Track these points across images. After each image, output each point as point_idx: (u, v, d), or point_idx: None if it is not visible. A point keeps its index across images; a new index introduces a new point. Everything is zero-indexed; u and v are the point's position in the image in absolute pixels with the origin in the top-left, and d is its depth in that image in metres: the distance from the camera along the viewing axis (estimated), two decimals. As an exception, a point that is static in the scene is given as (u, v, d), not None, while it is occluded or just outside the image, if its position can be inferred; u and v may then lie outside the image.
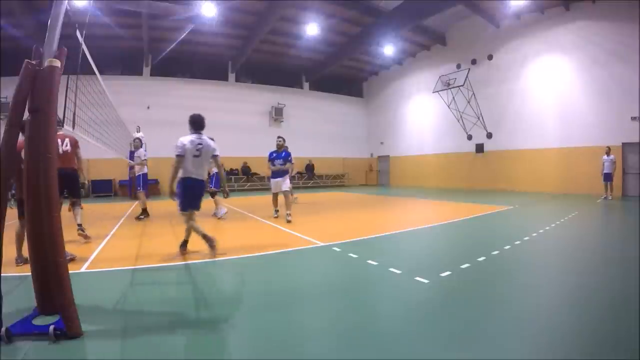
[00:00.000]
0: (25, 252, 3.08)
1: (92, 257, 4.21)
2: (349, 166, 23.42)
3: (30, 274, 2.36)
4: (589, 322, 2.33)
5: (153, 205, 11.52)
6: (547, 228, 5.92)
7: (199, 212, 4.46)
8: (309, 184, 20.54)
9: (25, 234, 2.45)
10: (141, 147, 8.43)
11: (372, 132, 24.18)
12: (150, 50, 16.75)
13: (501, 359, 1.89)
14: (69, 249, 3.95)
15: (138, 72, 17.47)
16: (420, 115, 20.21)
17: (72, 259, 3.95)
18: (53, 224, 2.28)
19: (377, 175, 23.72)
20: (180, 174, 4.22)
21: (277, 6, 13.63)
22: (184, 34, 15.05)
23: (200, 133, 4.39)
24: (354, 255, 4.21)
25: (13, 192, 3.56)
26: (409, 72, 20.99)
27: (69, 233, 4.46)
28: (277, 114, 20.46)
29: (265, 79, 20.75)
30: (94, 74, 4.59)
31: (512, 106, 15.46)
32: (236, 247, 4.83)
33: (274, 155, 7.48)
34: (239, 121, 19.03)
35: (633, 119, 11.50)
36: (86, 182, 5.61)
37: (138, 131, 14.72)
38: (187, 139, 4.26)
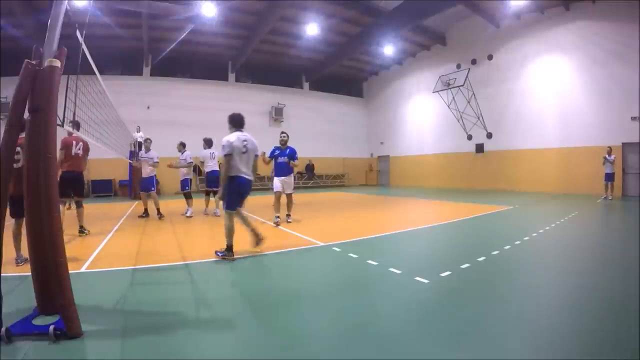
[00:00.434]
0: (25, 251, 3.09)
1: (92, 257, 4.21)
2: (349, 166, 23.42)
3: (30, 274, 2.36)
4: (589, 322, 2.33)
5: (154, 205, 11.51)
6: (547, 228, 5.92)
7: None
8: (309, 184, 20.54)
9: (25, 232, 2.45)
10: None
11: (372, 132, 24.18)
12: (150, 50, 16.75)
13: (501, 359, 1.89)
14: (69, 248, 3.96)
15: (138, 72, 17.47)
16: (420, 115, 20.21)
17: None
18: (53, 224, 2.28)
19: (377, 175, 23.72)
20: (230, 173, 4.15)
21: (277, 6, 13.63)
22: (184, 34, 15.05)
23: (241, 130, 4.36)
24: (354, 255, 4.21)
25: None
26: (409, 72, 20.99)
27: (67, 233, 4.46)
28: (277, 114, 20.46)
29: (265, 79, 20.74)
30: (94, 74, 4.59)
31: (512, 106, 15.46)
32: (236, 247, 4.82)
33: (278, 152, 6.87)
34: (239, 121, 19.01)
35: (633, 119, 11.50)
36: (85, 183, 5.80)
37: (138, 131, 14.72)
38: (233, 136, 4.21)
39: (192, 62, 18.71)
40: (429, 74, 18.99)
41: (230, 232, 4.16)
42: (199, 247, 5.05)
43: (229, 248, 4.13)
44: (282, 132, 7.13)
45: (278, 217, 6.62)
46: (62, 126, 2.84)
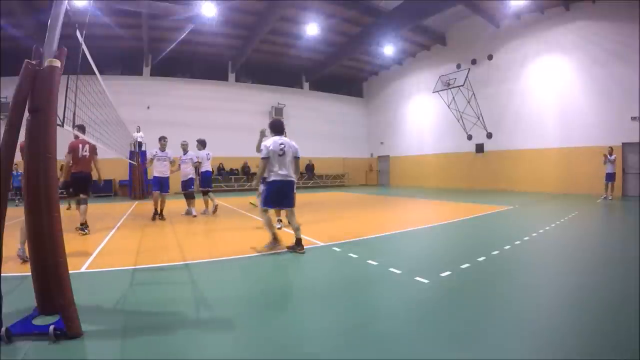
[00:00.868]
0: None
1: (92, 257, 4.21)
2: (349, 166, 23.43)
3: (30, 274, 2.36)
4: (589, 322, 2.33)
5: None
6: (547, 228, 5.92)
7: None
8: (309, 184, 20.54)
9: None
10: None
11: (372, 132, 24.19)
12: (150, 50, 16.76)
13: (501, 359, 1.89)
14: (69, 248, 3.96)
15: (138, 72, 17.48)
16: (420, 115, 20.21)
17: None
18: (53, 224, 2.28)
19: (377, 175, 23.73)
20: (266, 175, 4.57)
21: (277, 6, 13.64)
22: (184, 34, 15.06)
23: (280, 135, 4.69)
24: (354, 255, 4.21)
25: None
26: (409, 72, 21.00)
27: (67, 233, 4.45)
28: (277, 114, 20.44)
29: (265, 79, 20.76)
30: (94, 74, 4.59)
31: (512, 106, 15.47)
32: (236, 247, 4.83)
33: None
34: (239, 121, 19.04)
35: (633, 119, 11.51)
36: (100, 181, 6.32)
37: (138, 131, 14.73)
38: (270, 141, 4.52)
39: (192, 62, 18.73)
40: (429, 74, 18.99)
41: (268, 226, 4.63)
42: (199, 247, 5.05)
43: (274, 237, 4.64)
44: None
45: (281, 220, 6.38)
46: (62, 126, 2.85)
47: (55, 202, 2.32)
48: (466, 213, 8.09)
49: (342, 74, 22.71)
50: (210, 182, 8.50)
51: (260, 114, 20.19)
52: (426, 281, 3.18)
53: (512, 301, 2.79)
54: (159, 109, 17.17)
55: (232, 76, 19.83)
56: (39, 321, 2.24)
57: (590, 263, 3.94)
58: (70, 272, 2.36)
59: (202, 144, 8.46)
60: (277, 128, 4.69)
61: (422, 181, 19.60)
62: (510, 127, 15.51)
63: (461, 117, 17.27)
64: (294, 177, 4.56)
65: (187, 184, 8.28)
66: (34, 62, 2.43)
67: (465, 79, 16.22)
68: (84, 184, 5.88)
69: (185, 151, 8.31)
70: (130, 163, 13.74)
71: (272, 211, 4.97)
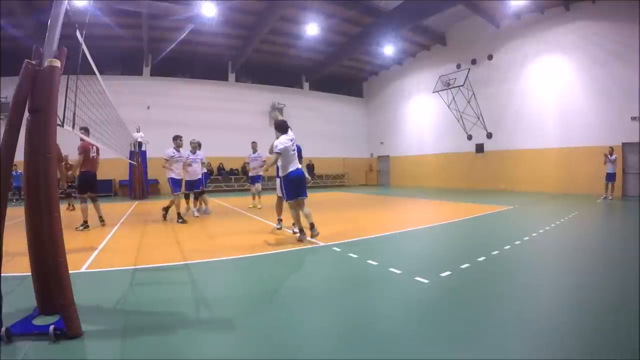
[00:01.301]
0: None
1: (92, 257, 4.21)
2: (349, 166, 23.43)
3: (30, 274, 2.36)
4: (589, 322, 2.33)
5: (153, 205, 11.52)
6: (547, 228, 5.92)
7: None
8: (309, 184, 20.52)
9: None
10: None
11: (372, 132, 24.19)
12: (150, 50, 16.76)
13: (501, 359, 1.89)
14: (69, 248, 3.97)
15: (138, 72, 17.48)
16: (420, 115, 20.21)
17: None
18: (53, 224, 2.28)
19: (377, 175, 23.73)
20: (281, 172, 5.03)
21: (277, 6, 13.64)
22: (184, 34, 15.06)
23: (287, 134, 5.07)
24: (354, 255, 4.21)
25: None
26: (409, 72, 21.00)
27: (68, 233, 4.46)
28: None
29: (265, 79, 20.76)
30: (94, 74, 4.60)
31: (512, 106, 15.47)
32: (236, 247, 4.83)
33: None
34: (239, 121, 19.05)
35: (633, 119, 11.51)
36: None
37: (138, 131, 14.73)
38: (283, 138, 4.92)
39: (192, 62, 18.73)
40: (429, 74, 18.99)
41: (296, 219, 5.05)
42: (199, 247, 5.05)
43: (301, 231, 5.08)
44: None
45: (281, 220, 6.33)
46: (62, 126, 2.85)
47: (55, 202, 2.32)
48: (466, 213, 8.09)
49: (342, 74, 22.71)
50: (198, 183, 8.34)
51: (260, 114, 20.19)
52: (426, 281, 3.18)
53: (512, 301, 2.79)
54: (159, 109, 17.17)
55: (232, 76, 19.83)
56: (39, 321, 2.24)
57: (590, 263, 3.94)
58: (70, 272, 2.36)
59: (198, 145, 8.45)
60: (284, 128, 5.08)
61: (422, 181, 19.60)
62: (510, 127, 15.51)
63: (461, 117, 17.27)
64: (301, 170, 5.12)
65: (195, 184, 7.94)
66: (34, 62, 2.43)
67: (465, 79, 16.22)
68: (93, 183, 6.52)
69: (194, 150, 8.03)
70: (130, 163, 13.74)
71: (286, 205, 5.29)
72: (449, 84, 16.83)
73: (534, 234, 5.38)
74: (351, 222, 7.50)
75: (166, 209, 7.51)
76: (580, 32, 13.04)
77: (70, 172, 6.64)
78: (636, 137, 11.32)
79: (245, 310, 2.68)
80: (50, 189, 2.31)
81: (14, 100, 2.32)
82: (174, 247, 4.86)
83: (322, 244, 4.89)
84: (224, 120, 18.60)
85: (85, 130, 5.01)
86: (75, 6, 9.31)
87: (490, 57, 16.27)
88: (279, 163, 5.00)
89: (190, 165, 7.62)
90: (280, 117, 5.81)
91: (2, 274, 2.13)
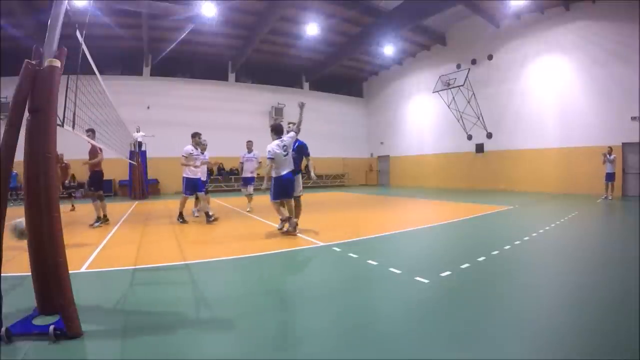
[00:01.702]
0: None
1: (92, 257, 4.21)
2: (349, 166, 23.42)
3: (30, 274, 2.36)
4: (589, 322, 2.33)
5: (153, 205, 11.53)
6: (547, 228, 5.92)
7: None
8: (309, 184, 20.53)
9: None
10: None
11: (372, 132, 24.18)
12: (150, 50, 16.75)
13: (501, 359, 1.89)
14: (69, 248, 3.97)
15: (138, 72, 17.47)
16: (420, 115, 20.21)
17: None
18: (53, 224, 2.28)
19: (377, 175, 23.73)
20: (274, 174, 5.41)
21: (277, 6, 13.64)
22: (184, 34, 15.06)
23: (281, 137, 5.48)
24: (354, 255, 4.21)
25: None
26: (409, 72, 20.99)
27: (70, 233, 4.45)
28: (277, 114, 20.46)
29: (265, 79, 20.75)
30: (94, 74, 4.60)
31: (512, 106, 15.46)
32: (236, 247, 4.83)
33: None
34: (239, 121, 19.05)
35: (633, 119, 11.50)
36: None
37: (138, 131, 14.73)
38: (274, 144, 5.31)
39: (192, 62, 18.73)
40: (429, 74, 18.99)
41: (278, 211, 5.59)
42: (199, 247, 5.05)
43: (283, 220, 5.62)
44: (289, 123, 6.45)
45: (282, 220, 5.83)
46: (62, 126, 2.85)
47: (55, 202, 2.32)
48: (466, 213, 8.09)
49: (342, 74, 22.70)
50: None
51: (260, 114, 20.21)
52: (426, 281, 3.18)
53: (512, 301, 2.79)
54: (159, 109, 17.17)
55: (232, 76, 19.83)
56: (39, 321, 2.24)
57: (590, 263, 3.94)
58: (70, 272, 2.36)
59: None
60: (279, 131, 5.51)
61: (422, 181, 19.60)
62: (510, 127, 15.51)
63: (461, 117, 17.27)
64: (292, 174, 5.54)
65: (202, 184, 7.69)
66: (34, 62, 2.43)
67: (465, 79, 16.21)
68: (102, 181, 7.08)
69: (203, 151, 7.78)
70: (130, 163, 13.74)
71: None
72: (449, 84, 16.83)
73: (534, 234, 5.38)
74: (351, 222, 7.50)
75: (180, 215, 7.13)
76: (580, 32, 13.04)
77: (95, 161, 6.64)
78: (636, 137, 11.32)
79: (245, 310, 2.68)
80: (50, 189, 2.31)
81: (14, 100, 2.32)
82: (174, 247, 4.86)
83: (322, 244, 4.89)
84: (224, 120, 18.59)
85: (92, 132, 5.24)
86: (75, 6, 9.31)
87: (490, 57, 16.26)
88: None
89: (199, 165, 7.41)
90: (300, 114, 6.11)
91: (2, 274, 2.13)
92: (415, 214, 9.02)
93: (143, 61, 17.38)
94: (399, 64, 21.34)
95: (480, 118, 16.61)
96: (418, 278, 3.26)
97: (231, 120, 18.88)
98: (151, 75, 17.71)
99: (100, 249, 4.69)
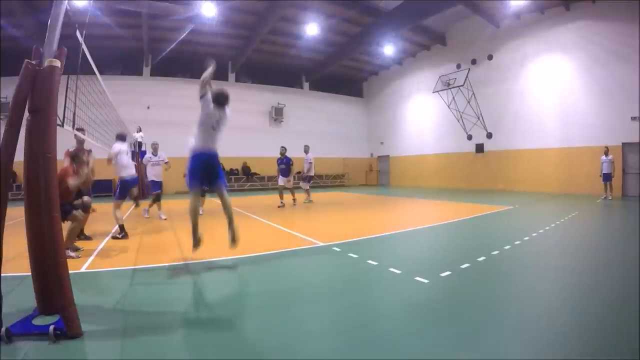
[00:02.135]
0: None
1: (92, 257, 4.21)
2: (349, 166, 23.41)
3: (30, 274, 2.36)
4: (589, 322, 2.33)
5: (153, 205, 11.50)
6: (547, 228, 5.92)
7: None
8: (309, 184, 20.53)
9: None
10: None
11: (372, 132, 24.18)
12: (150, 50, 16.74)
13: (501, 359, 1.88)
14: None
15: (138, 72, 17.46)
16: (420, 115, 20.20)
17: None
18: (53, 224, 2.28)
19: (377, 175, 23.72)
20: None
21: (277, 6, 13.63)
22: (184, 34, 15.05)
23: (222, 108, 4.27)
24: (354, 255, 4.21)
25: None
26: (409, 72, 20.98)
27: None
28: (277, 114, 20.46)
29: (265, 79, 20.73)
30: (94, 74, 4.60)
31: (512, 106, 15.46)
32: (244, 247, 4.82)
33: (279, 161, 10.11)
34: (239, 121, 18.96)
35: (633, 119, 11.50)
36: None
37: (138, 131, 14.71)
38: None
39: (192, 62, 18.69)
40: (429, 74, 18.98)
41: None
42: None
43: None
44: (282, 147, 10.17)
45: (282, 202, 9.72)
46: (62, 126, 2.85)
47: (55, 202, 2.32)
48: (466, 213, 8.09)
49: (342, 74, 22.70)
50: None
51: (260, 114, 20.20)
52: (426, 281, 3.18)
53: (512, 301, 2.79)
54: (159, 109, 17.15)
55: (232, 76, 19.81)
56: (39, 321, 2.24)
57: (590, 263, 3.94)
58: (70, 272, 2.36)
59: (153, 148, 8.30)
60: (222, 100, 4.22)
61: (422, 181, 19.59)
62: (510, 127, 15.51)
63: (461, 117, 17.26)
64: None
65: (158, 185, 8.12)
66: (34, 62, 2.43)
67: (465, 79, 16.21)
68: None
69: (156, 151, 8.24)
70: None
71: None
72: (449, 84, 16.82)
73: (534, 234, 5.38)
74: (351, 222, 7.50)
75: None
76: (580, 32, 13.03)
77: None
78: (636, 137, 11.32)
79: (245, 310, 2.68)
80: (50, 189, 2.31)
81: (14, 100, 2.32)
82: (174, 247, 4.87)
83: (322, 244, 4.89)
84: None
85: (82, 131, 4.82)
86: (75, 6, 9.31)
87: (490, 57, 16.26)
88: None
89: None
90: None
91: (2, 274, 2.13)
92: (415, 214, 9.02)
93: (143, 61, 17.37)
94: (399, 64, 21.33)
95: (480, 118, 16.60)
96: (418, 278, 3.26)
97: (231, 120, 18.83)
98: (151, 75, 17.70)
99: (100, 249, 4.69)
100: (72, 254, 4.10)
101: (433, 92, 17.72)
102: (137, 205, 7.28)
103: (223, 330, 2.32)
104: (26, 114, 2.36)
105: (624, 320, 2.31)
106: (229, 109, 4.26)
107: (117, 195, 6.01)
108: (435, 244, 5.33)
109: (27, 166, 2.35)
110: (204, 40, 16.40)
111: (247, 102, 19.75)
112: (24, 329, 2.15)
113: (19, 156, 2.32)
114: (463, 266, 3.66)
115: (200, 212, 8.01)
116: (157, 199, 7.98)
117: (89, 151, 5.23)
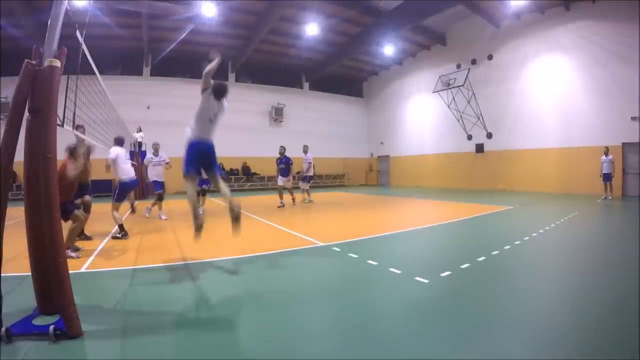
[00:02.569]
0: None
1: (92, 257, 4.21)
2: (349, 166, 23.41)
3: (30, 274, 2.36)
4: (589, 322, 2.33)
5: (153, 205, 11.49)
6: (547, 228, 5.92)
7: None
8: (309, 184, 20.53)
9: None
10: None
11: (372, 132, 24.17)
12: (150, 50, 16.74)
13: (501, 359, 1.88)
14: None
15: (138, 72, 17.46)
16: (420, 115, 20.20)
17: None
18: (53, 224, 2.28)
19: (377, 175, 23.72)
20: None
21: (277, 6, 13.63)
22: (184, 34, 15.05)
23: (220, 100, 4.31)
24: (354, 255, 4.21)
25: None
26: (409, 72, 20.98)
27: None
28: (277, 114, 20.46)
29: (265, 79, 20.73)
30: (94, 74, 4.60)
31: (511, 106, 15.46)
32: (236, 246, 4.83)
33: (279, 161, 10.05)
34: (239, 121, 18.99)
35: (633, 119, 11.50)
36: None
37: (139, 131, 14.71)
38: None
39: (192, 62, 18.71)
40: (429, 74, 18.98)
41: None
42: (199, 247, 5.05)
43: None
44: (281, 146, 10.13)
45: (282, 202, 9.70)
46: (62, 126, 2.85)
47: (55, 202, 2.32)
48: (466, 213, 8.09)
49: (342, 74, 22.69)
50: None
51: (260, 114, 20.19)
52: (426, 281, 3.18)
53: (512, 301, 2.79)
54: (159, 109, 17.15)
55: (232, 76, 19.81)
56: (39, 321, 2.24)
57: (590, 263, 3.94)
58: (70, 272, 2.36)
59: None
60: (222, 92, 4.24)
61: (422, 181, 19.59)
62: (510, 127, 15.51)
63: (461, 117, 17.26)
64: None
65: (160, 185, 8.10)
66: (34, 62, 2.43)
67: (465, 79, 16.20)
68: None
69: (157, 152, 8.15)
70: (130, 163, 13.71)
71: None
72: (449, 84, 16.82)
73: (534, 234, 5.38)
74: (351, 222, 7.50)
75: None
76: (580, 32, 13.03)
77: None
78: (636, 137, 11.31)
79: (245, 310, 2.68)
80: (50, 189, 2.31)
81: (14, 100, 2.32)
82: (174, 247, 4.87)
83: (322, 244, 4.89)
84: (223, 120, 18.50)
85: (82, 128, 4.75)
86: (75, 6, 9.30)
87: (490, 57, 16.25)
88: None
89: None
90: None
91: (2, 274, 2.13)
92: (415, 214, 9.02)
93: (143, 61, 17.37)
94: (399, 64, 21.33)
95: (480, 118, 16.60)
96: (418, 278, 3.26)
97: (231, 120, 18.77)
98: (151, 75, 17.69)
99: (100, 249, 4.69)
100: (73, 254, 4.11)
101: (433, 92, 17.72)
102: (133, 211, 7.29)
103: (223, 330, 2.32)
104: (26, 114, 2.36)
105: (624, 320, 2.31)
106: (226, 102, 4.32)
107: (115, 198, 6.08)
108: (435, 244, 5.33)
109: (27, 166, 2.35)
110: (204, 40, 16.39)
111: (247, 102, 19.75)
112: (24, 329, 2.15)
113: (19, 156, 2.32)
114: (463, 266, 3.66)
115: (201, 212, 8.02)
116: (159, 199, 7.99)
117: (89, 146, 5.11)
